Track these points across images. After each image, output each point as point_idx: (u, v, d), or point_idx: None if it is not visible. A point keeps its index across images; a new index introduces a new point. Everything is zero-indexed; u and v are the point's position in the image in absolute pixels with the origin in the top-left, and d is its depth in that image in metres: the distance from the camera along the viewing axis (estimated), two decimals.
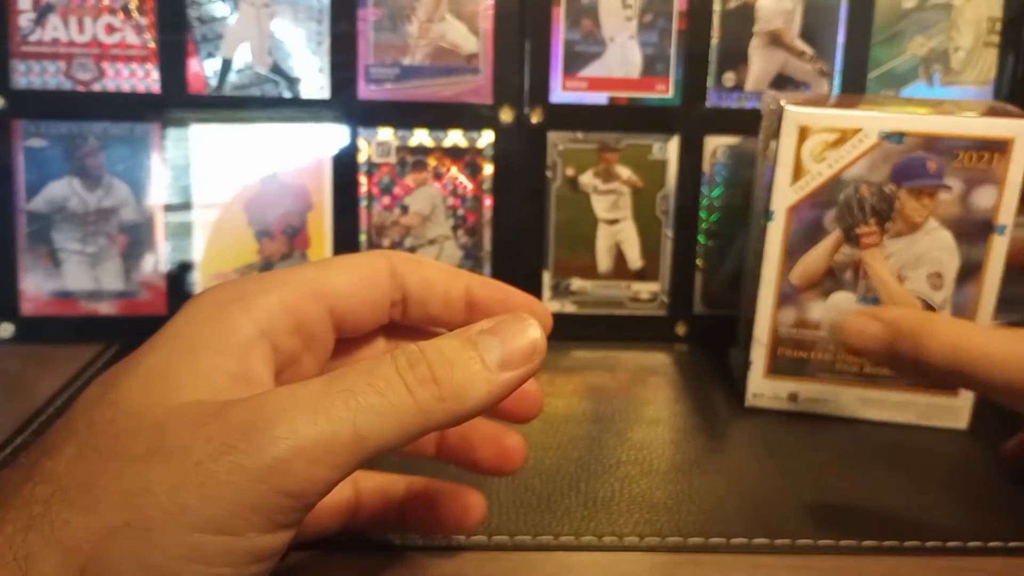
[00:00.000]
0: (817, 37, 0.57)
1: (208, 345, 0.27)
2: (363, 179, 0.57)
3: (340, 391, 0.24)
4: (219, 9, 0.56)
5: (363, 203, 0.58)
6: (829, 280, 0.45)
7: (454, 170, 0.58)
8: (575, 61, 0.57)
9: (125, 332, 0.56)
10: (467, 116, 0.57)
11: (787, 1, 0.57)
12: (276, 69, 0.56)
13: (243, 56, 0.56)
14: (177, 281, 0.57)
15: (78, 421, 0.25)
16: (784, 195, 0.44)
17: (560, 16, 0.56)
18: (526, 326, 0.27)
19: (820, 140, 0.43)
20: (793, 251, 0.45)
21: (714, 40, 0.57)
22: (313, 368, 0.31)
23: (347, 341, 0.32)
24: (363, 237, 0.58)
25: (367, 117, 0.57)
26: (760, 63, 0.57)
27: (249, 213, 0.57)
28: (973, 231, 0.43)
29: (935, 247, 0.43)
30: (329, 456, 0.23)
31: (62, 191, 0.56)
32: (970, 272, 0.43)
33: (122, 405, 0.25)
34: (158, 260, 0.56)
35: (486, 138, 0.57)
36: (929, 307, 0.44)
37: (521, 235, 0.58)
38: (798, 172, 0.43)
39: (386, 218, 0.58)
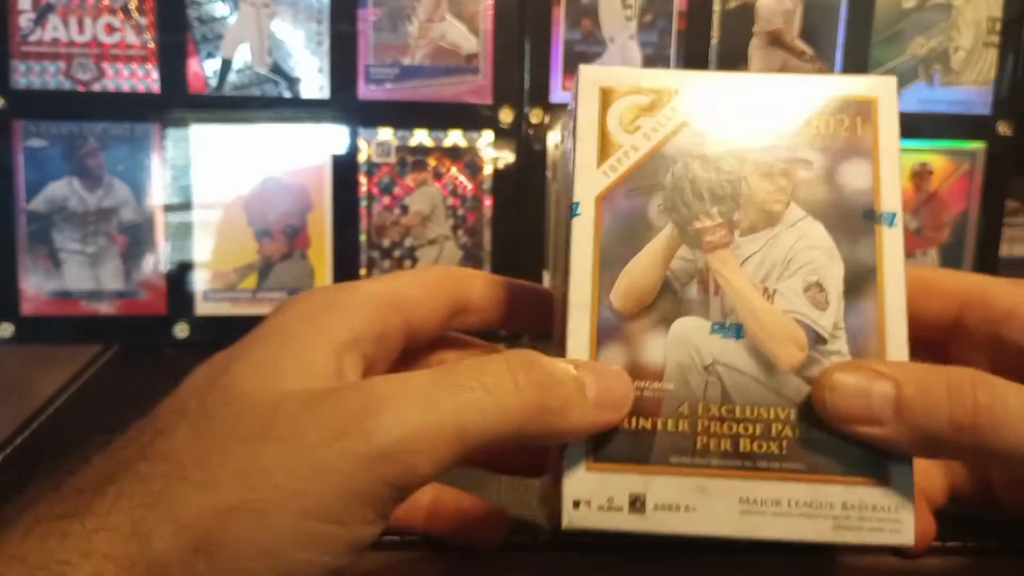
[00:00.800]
0: (817, 37, 0.57)
1: (310, 343, 0.27)
2: (363, 179, 0.57)
3: (449, 384, 0.25)
4: (219, 9, 0.56)
5: (363, 203, 0.58)
6: (667, 299, 0.31)
7: (454, 170, 0.58)
8: (575, 61, 0.57)
9: (125, 332, 0.56)
10: (467, 116, 0.57)
11: (787, 1, 0.57)
12: (276, 69, 0.56)
13: (243, 56, 0.56)
14: (177, 281, 0.57)
15: (190, 404, 0.25)
16: (590, 179, 0.31)
17: (560, 16, 0.56)
18: (623, 381, 0.28)
19: (630, 104, 0.32)
20: (610, 259, 0.31)
21: (714, 40, 0.57)
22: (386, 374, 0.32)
23: (408, 353, 0.33)
24: (363, 237, 0.58)
25: (367, 117, 0.57)
26: (760, 63, 0.57)
27: (249, 213, 0.57)
28: (852, 222, 0.31)
29: (806, 246, 0.31)
30: (433, 448, 0.24)
31: (62, 191, 0.56)
32: (861, 281, 0.31)
33: (234, 389, 0.25)
34: (158, 260, 0.56)
35: (486, 138, 0.57)
36: (818, 335, 0.30)
37: (521, 235, 0.58)
38: (605, 148, 0.32)
39: (386, 218, 0.58)
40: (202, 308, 0.57)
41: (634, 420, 0.29)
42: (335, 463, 0.23)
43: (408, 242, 0.58)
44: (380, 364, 0.31)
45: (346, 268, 0.58)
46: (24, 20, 0.55)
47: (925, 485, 0.35)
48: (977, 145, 0.60)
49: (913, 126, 0.59)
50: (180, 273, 0.57)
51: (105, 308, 0.56)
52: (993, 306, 0.32)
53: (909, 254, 0.61)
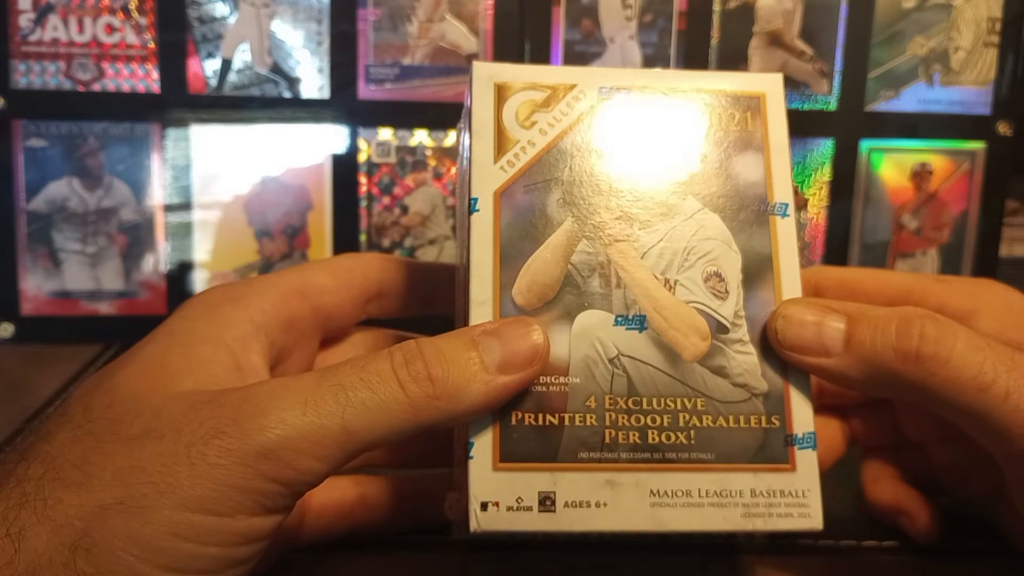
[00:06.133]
0: (817, 37, 0.57)
1: (206, 339, 0.28)
2: (363, 179, 0.57)
3: (332, 385, 0.25)
4: (219, 9, 0.56)
5: (363, 203, 0.58)
6: (570, 293, 0.31)
7: (454, 170, 0.58)
8: (575, 61, 0.57)
9: (125, 332, 0.56)
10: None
11: (787, 1, 0.57)
12: (276, 69, 0.56)
13: (243, 56, 0.56)
14: (177, 281, 0.57)
15: (74, 409, 0.26)
16: (488, 175, 0.32)
17: (560, 16, 0.56)
18: (529, 330, 0.27)
19: (525, 99, 0.32)
20: (511, 254, 0.31)
21: (714, 40, 0.57)
22: (303, 365, 0.32)
23: (333, 339, 0.34)
24: (363, 237, 0.58)
25: (367, 117, 0.57)
26: (760, 63, 0.57)
27: (249, 213, 0.57)
28: (747, 213, 0.32)
29: (704, 237, 0.32)
30: (316, 448, 0.24)
31: (62, 191, 0.56)
32: (758, 270, 0.31)
33: (119, 392, 0.25)
34: (158, 260, 0.56)
35: None
36: (719, 324, 0.30)
37: None
38: (502, 143, 0.32)
39: (386, 218, 0.58)
40: None
41: (540, 416, 0.29)
42: (212, 458, 0.23)
43: (408, 242, 0.58)
44: (295, 353, 0.31)
45: None
46: (24, 20, 0.55)
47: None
48: (977, 145, 0.60)
49: (913, 126, 0.59)
50: (180, 273, 0.57)
51: (105, 308, 0.56)
52: (922, 305, 0.32)
53: (909, 254, 0.61)
